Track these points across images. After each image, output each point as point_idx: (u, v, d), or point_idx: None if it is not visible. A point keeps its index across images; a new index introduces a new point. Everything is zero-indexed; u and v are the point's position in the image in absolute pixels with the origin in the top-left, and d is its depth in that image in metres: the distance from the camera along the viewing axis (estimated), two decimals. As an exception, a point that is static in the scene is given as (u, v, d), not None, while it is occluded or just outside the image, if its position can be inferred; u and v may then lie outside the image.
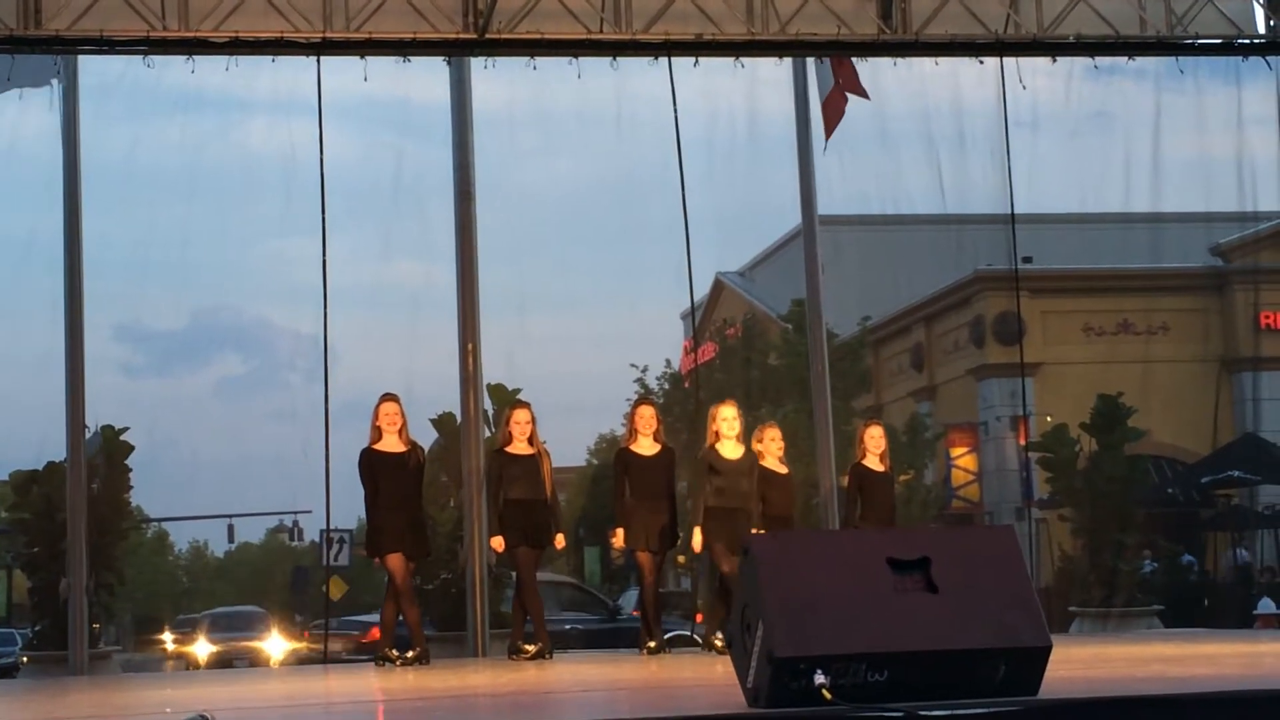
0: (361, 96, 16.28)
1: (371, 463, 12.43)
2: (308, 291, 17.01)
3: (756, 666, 6.55)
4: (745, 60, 16.13)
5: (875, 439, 13.96)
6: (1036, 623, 6.70)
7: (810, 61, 17.25)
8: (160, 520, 53.77)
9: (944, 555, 6.71)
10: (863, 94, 17.03)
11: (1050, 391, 31.08)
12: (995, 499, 35.11)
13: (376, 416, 12.48)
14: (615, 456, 13.48)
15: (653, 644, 12.88)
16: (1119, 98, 20.27)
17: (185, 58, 14.98)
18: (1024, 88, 16.51)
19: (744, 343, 37.20)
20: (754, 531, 12.45)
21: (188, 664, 33.97)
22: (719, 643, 12.30)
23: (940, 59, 16.36)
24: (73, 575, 16.29)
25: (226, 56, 15.01)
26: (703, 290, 41.56)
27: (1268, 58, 16.52)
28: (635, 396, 32.39)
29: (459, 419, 17.13)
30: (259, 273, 72.48)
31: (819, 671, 6.32)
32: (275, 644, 33.42)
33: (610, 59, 15.74)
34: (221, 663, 31.76)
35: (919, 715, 6.16)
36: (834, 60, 16.91)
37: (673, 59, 15.86)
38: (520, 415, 12.94)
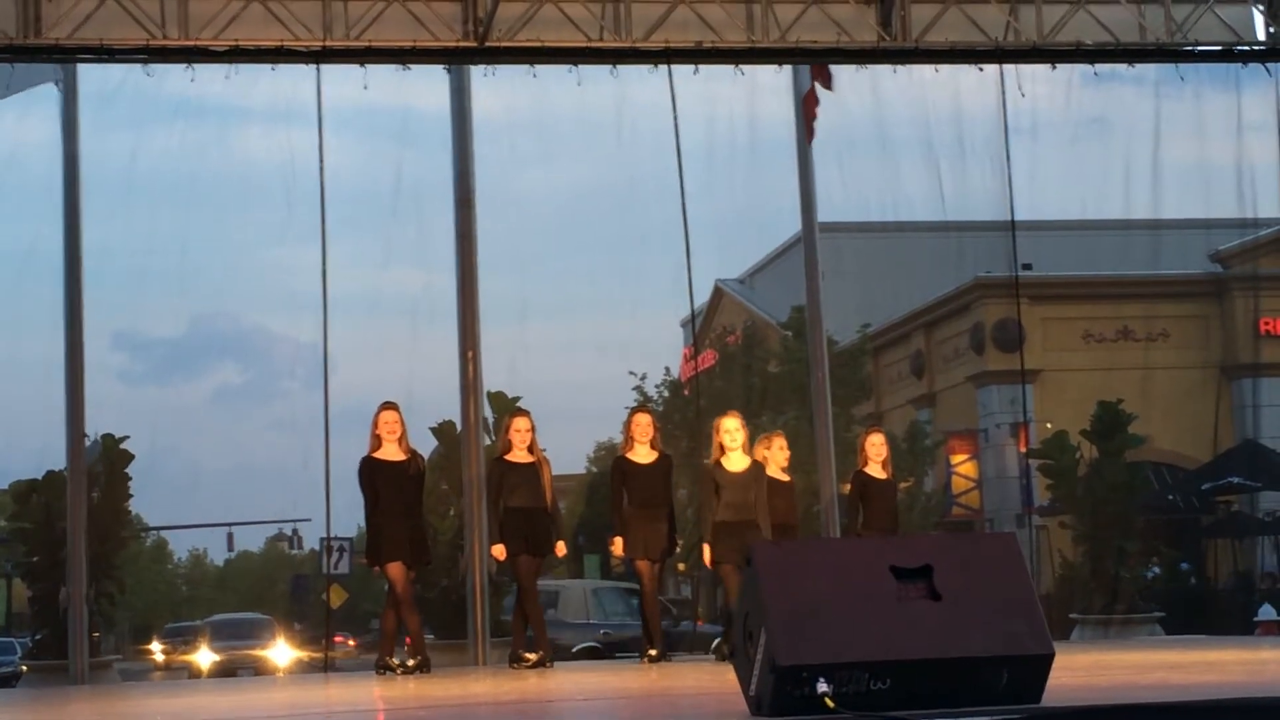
0: (361, 104, 16.32)
1: (372, 471, 12.40)
2: (307, 300, 16.98)
3: (759, 675, 6.54)
4: (745, 67, 16.13)
5: (876, 446, 13.94)
6: (1039, 630, 6.69)
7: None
8: (160, 529, 53.79)
9: (946, 563, 6.70)
10: (827, 85, 17.09)
11: (1050, 398, 31.09)
12: (996, 506, 35.11)
13: (376, 425, 12.45)
14: (613, 465, 13.43)
15: (653, 652, 12.85)
16: (1119, 104, 20.31)
17: (185, 66, 15.00)
18: (1023, 95, 16.54)
19: (744, 350, 37.21)
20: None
21: (190, 673, 33.02)
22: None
23: (940, 66, 16.35)
24: (73, 584, 16.29)
25: (226, 65, 15.02)
26: (702, 298, 41.63)
27: (1267, 64, 16.52)
28: (634, 404, 32.38)
29: (459, 427, 17.14)
30: (259, 281, 72.60)
31: (822, 680, 6.30)
32: (281, 652, 32.96)
33: (610, 66, 15.76)
34: (224, 672, 30.91)
35: (921, 723, 6.16)
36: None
37: (673, 66, 15.87)
38: (520, 423, 12.91)
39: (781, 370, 34.26)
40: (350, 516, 16.83)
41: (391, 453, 12.41)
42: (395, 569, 12.28)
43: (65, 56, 15.16)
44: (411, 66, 15.41)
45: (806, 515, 18.50)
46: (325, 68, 15.46)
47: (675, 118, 16.48)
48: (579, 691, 10.21)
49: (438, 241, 17.08)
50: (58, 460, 17.39)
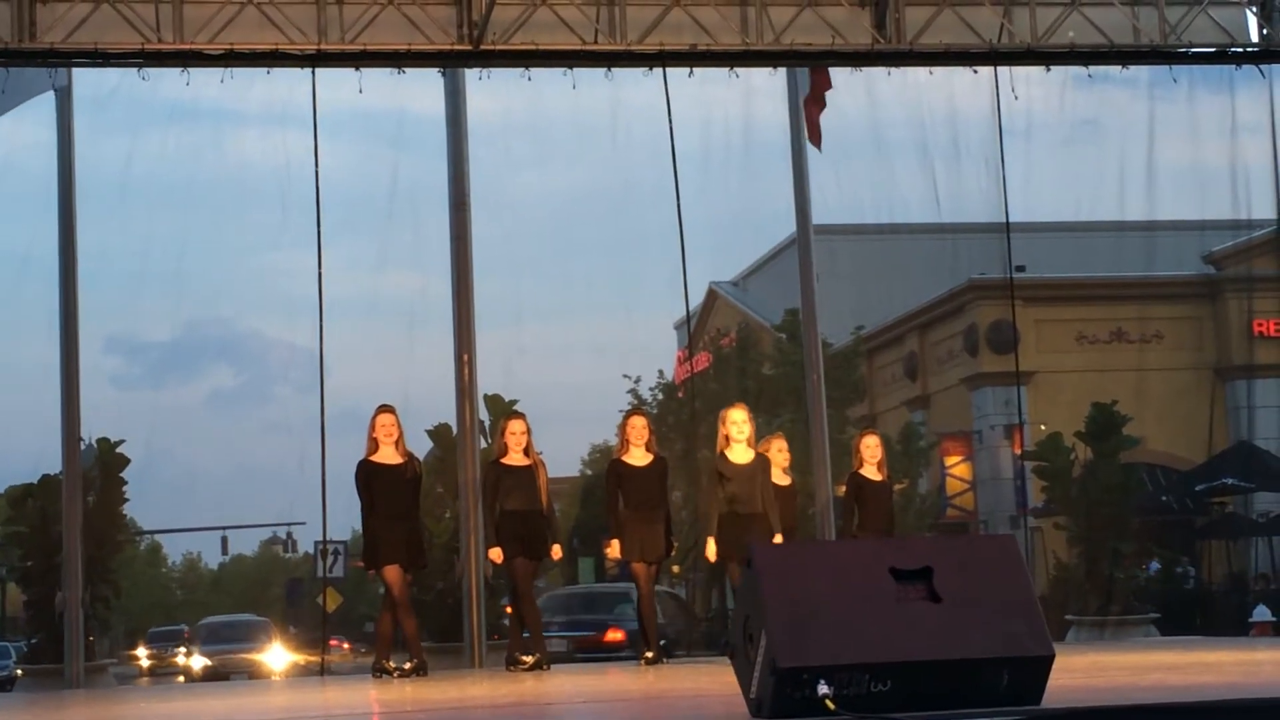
0: (356, 108, 16.31)
1: (368, 474, 12.40)
2: (303, 303, 17.02)
3: (760, 677, 6.54)
4: (740, 70, 16.12)
5: (871, 448, 13.94)
6: (1039, 631, 6.70)
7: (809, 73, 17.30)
8: (154, 532, 53.70)
9: (946, 564, 6.71)
10: (826, 84, 17.14)
11: (1044, 400, 31.11)
12: (990, 508, 35.16)
13: (373, 428, 12.44)
14: (608, 468, 13.38)
15: (650, 654, 12.85)
16: (1112, 106, 20.33)
17: (180, 70, 14.97)
18: (1017, 97, 16.55)
19: (738, 352, 37.21)
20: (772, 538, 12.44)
21: (186, 678, 32.21)
22: None
23: (934, 68, 16.36)
24: (68, 588, 16.27)
25: (221, 69, 14.98)
26: (696, 300, 41.61)
27: (1260, 66, 16.53)
28: (629, 407, 32.39)
29: (455, 430, 17.13)
30: (254, 285, 72.59)
31: (822, 682, 6.31)
32: (276, 655, 32.20)
33: (605, 70, 15.75)
34: (215, 677, 29.56)
35: (922, 725, 6.16)
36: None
37: (667, 69, 15.86)
38: (516, 426, 12.90)
39: (776, 372, 34.28)
40: (345, 520, 16.87)
41: (388, 456, 12.41)
42: (392, 572, 12.28)
43: (60, 60, 15.14)
44: (406, 70, 15.39)
45: (801, 517, 18.49)
46: (320, 71, 15.45)
47: (670, 120, 16.50)
48: (578, 694, 10.20)
49: (433, 245, 17.11)
50: (53, 464, 17.40)
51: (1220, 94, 17.36)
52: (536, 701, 9.66)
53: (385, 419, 12.46)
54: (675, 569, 33.88)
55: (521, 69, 15.54)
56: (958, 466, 35.79)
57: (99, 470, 19.41)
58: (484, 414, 18.17)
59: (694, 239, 17.32)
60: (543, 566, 15.03)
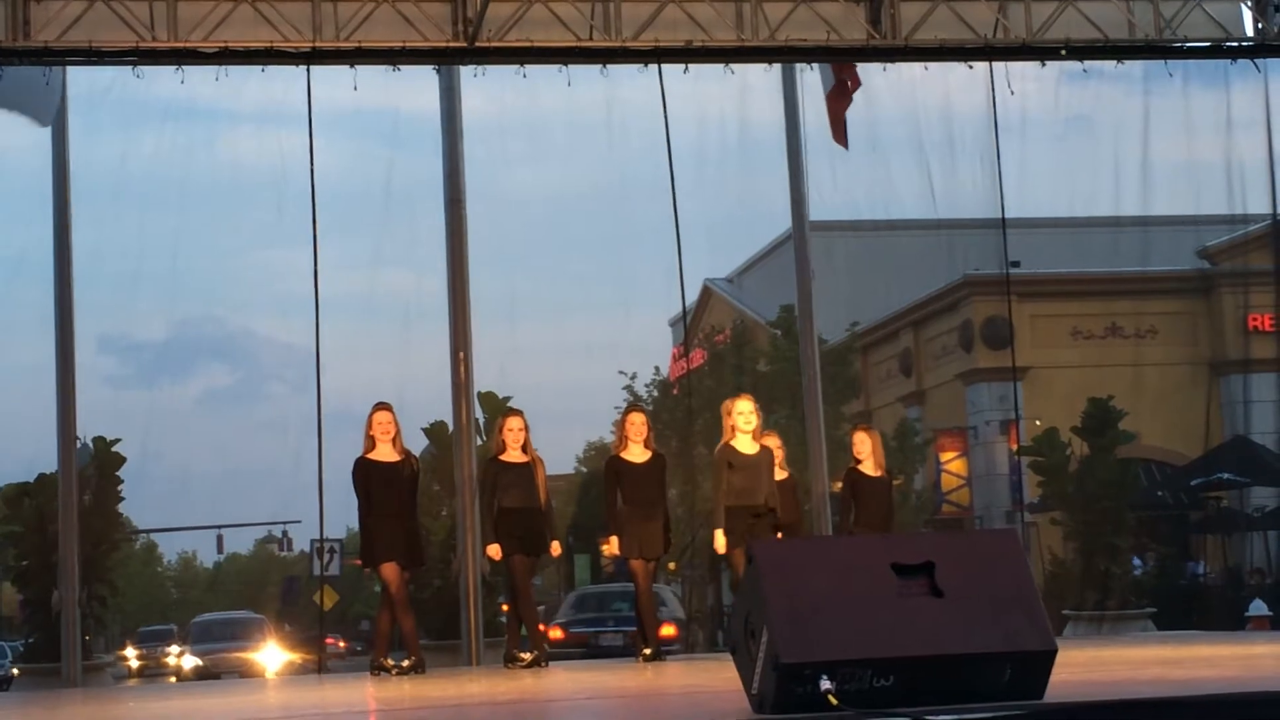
0: (351, 105, 16.29)
1: (365, 472, 12.38)
2: (298, 301, 16.98)
3: (762, 672, 6.53)
4: (735, 66, 16.12)
5: (867, 444, 13.91)
6: (1041, 626, 6.69)
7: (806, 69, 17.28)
8: (149, 531, 53.61)
9: (948, 560, 6.70)
10: (855, 82, 17.10)
11: (1039, 395, 31.13)
12: (985, 503, 35.17)
13: (370, 426, 12.42)
14: (606, 464, 13.31)
15: (648, 651, 12.83)
16: (1108, 101, 20.32)
17: (174, 68, 14.97)
18: (1012, 92, 16.55)
19: (733, 349, 37.22)
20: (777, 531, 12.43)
21: (177, 678, 31.31)
22: None
23: (929, 64, 16.36)
24: (65, 587, 16.26)
25: (216, 66, 14.97)
26: (691, 297, 41.60)
27: (1255, 60, 16.54)
28: (624, 404, 32.38)
29: (451, 427, 17.13)
30: (250, 283, 72.54)
31: (825, 677, 6.30)
32: (271, 654, 31.48)
33: (600, 66, 15.75)
34: (207, 677, 28.16)
35: (925, 720, 6.16)
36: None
37: (662, 66, 15.87)
38: (513, 423, 12.88)
39: (771, 369, 34.28)
40: (341, 518, 16.84)
41: (385, 454, 12.39)
42: (389, 570, 12.27)
43: (54, 59, 15.11)
44: (401, 67, 15.39)
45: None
46: (315, 69, 15.46)
47: (665, 117, 16.52)
48: (578, 691, 10.19)
49: (428, 242, 17.11)
50: (49, 464, 17.38)
51: (1215, 89, 17.39)
52: (535, 699, 9.65)
53: (382, 416, 12.44)
54: (672, 565, 33.88)
55: (516, 66, 15.53)
56: (953, 462, 35.80)
57: (94, 469, 19.40)
58: (480, 411, 18.17)
59: (689, 236, 17.34)
60: (541, 563, 15.02)
